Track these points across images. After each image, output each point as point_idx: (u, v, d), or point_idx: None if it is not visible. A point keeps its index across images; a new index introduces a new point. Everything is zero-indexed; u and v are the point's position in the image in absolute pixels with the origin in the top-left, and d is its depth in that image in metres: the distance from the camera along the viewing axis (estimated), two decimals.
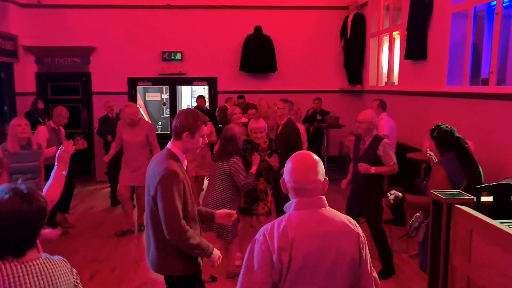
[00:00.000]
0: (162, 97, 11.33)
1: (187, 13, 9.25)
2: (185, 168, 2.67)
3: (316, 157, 1.86)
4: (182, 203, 2.52)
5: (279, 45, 9.34)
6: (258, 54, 9.21)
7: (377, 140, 4.36)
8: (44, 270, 1.60)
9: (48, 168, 4.59)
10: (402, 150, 6.27)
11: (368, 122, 4.36)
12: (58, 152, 2.71)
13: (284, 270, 1.69)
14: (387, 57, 8.41)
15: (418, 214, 3.42)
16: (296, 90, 9.15)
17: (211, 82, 9.64)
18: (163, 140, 9.05)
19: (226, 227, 4.07)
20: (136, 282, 4.38)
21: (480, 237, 2.45)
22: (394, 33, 8.02)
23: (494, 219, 2.45)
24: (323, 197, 1.84)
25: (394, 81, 8.24)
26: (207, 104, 9.75)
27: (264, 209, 4.54)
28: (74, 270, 1.76)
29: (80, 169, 8.98)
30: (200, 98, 8.69)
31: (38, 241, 1.67)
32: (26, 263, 1.56)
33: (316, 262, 1.72)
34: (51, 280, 1.60)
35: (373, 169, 4.21)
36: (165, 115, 11.23)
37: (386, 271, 4.39)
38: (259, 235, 1.78)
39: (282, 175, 1.89)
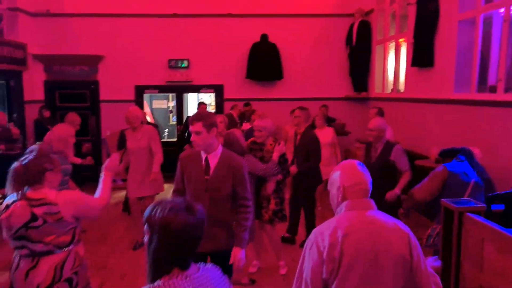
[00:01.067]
0: (169, 105, 11.39)
1: (193, 21, 9.32)
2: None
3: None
4: (181, 180, 3.12)
5: (285, 53, 9.38)
6: (264, 62, 9.26)
7: (389, 146, 4.43)
8: (205, 283, 1.63)
9: None
10: (409, 157, 6.26)
11: (378, 129, 4.43)
12: (106, 163, 2.91)
13: (336, 266, 1.77)
14: (393, 64, 8.42)
15: (434, 226, 3.54)
16: (302, 97, 9.17)
17: (218, 90, 9.69)
18: (169, 147, 9.14)
19: None
20: None
21: (492, 246, 2.46)
22: (400, 40, 8.05)
23: (506, 227, 2.45)
24: (372, 200, 1.93)
25: (400, 89, 8.25)
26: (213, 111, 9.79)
27: (265, 216, 4.53)
28: (226, 277, 1.77)
29: (88, 175, 9.01)
30: (202, 104, 8.65)
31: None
32: (190, 277, 1.59)
33: (367, 258, 1.78)
34: None
35: (398, 190, 4.35)
36: (171, 122, 11.27)
37: None
38: (311, 235, 1.88)
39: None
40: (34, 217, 2.47)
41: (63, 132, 4.40)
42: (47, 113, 8.14)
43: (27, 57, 8.70)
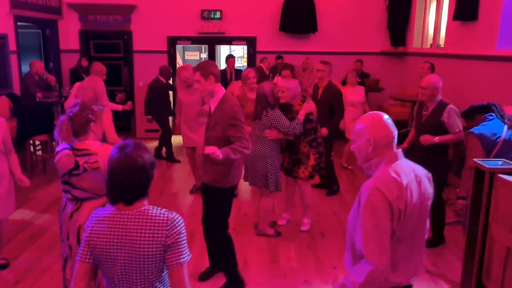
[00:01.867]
0: (201, 56, 11.34)
1: None
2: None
3: None
4: None
5: (320, 5, 9.06)
6: (298, 14, 8.98)
7: (442, 106, 4.10)
8: (129, 223, 1.75)
9: None
10: None
11: (432, 88, 4.08)
12: None
13: (402, 216, 1.83)
14: (434, 18, 8.01)
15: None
16: (336, 51, 8.92)
17: (250, 42, 9.53)
18: None
19: (269, 176, 4.25)
20: None
21: None
22: None
23: None
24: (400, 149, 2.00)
25: (440, 43, 7.88)
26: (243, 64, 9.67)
27: (304, 173, 4.49)
28: (178, 230, 1.74)
29: (121, 125, 9.23)
30: (231, 57, 8.57)
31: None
32: (123, 213, 1.77)
33: (418, 205, 1.88)
34: (126, 233, 1.73)
35: (437, 139, 4.01)
36: None
37: (438, 239, 4.35)
38: (368, 190, 1.84)
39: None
40: (77, 166, 2.67)
41: (100, 86, 4.42)
42: (85, 63, 8.27)
43: (62, 6, 8.76)
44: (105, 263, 1.76)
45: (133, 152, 1.75)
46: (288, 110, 4.44)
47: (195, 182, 5.84)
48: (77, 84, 5.73)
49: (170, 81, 7.51)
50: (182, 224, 1.78)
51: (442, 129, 4.06)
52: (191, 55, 11.29)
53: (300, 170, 4.49)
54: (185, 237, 1.78)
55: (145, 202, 1.81)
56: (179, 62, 9.97)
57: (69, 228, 2.75)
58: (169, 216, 1.76)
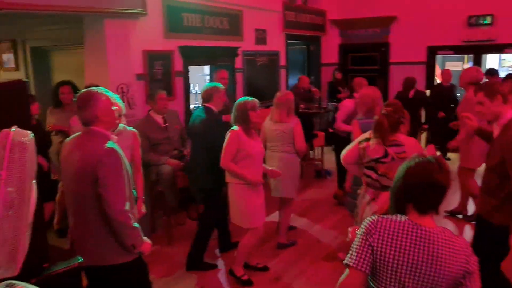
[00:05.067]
0: (463, 67, 10.38)
1: None
2: None
3: None
4: None
5: None
6: None
7: None
8: (434, 241, 1.65)
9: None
10: None
11: None
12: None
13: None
14: None
15: None
16: None
17: None
18: None
19: None
20: None
21: None
22: None
23: None
24: None
25: None
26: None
27: None
28: (474, 258, 1.68)
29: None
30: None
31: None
32: (423, 227, 1.68)
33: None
34: (435, 254, 1.64)
35: None
36: None
37: None
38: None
39: None
40: (385, 154, 3.03)
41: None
42: (339, 75, 8.66)
43: (326, 23, 9.35)
44: (384, 276, 1.67)
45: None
46: None
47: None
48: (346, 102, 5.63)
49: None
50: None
51: None
52: (451, 66, 10.40)
53: None
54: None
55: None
56: (437, 73, 9.35)
57: (366, 212, 3.12)
58: (464, 240, 1.71)
